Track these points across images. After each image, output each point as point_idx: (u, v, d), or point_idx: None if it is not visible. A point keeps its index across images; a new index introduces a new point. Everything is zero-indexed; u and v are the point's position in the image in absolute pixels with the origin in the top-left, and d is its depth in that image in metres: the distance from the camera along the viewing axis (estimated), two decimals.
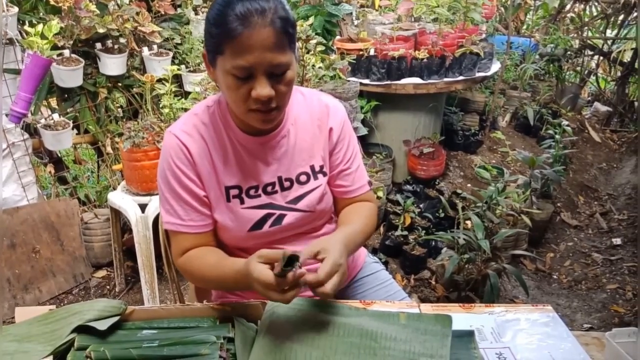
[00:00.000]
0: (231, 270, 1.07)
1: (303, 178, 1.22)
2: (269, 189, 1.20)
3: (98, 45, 2.70)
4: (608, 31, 5.35)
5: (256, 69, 1.00)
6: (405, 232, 2.85)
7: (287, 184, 1.21)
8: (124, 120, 2.83)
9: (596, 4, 5.26)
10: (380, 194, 2.94)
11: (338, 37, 3.46)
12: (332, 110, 1.24)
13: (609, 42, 5.31)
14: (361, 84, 3.12)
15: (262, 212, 1.20)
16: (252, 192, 1.19)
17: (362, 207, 1.27)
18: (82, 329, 1.00)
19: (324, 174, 1.25)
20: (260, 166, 1.19)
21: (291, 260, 0.92)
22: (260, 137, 1.17)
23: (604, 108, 5.18)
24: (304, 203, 1.22)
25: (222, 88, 1.08)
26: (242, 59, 0.99)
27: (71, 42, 2.55)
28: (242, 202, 1.19)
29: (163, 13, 2.90)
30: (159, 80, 2.49)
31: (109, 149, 2.83)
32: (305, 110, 1.23)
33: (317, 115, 1.23)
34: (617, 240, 3.33)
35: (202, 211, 1.18)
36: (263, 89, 1.01)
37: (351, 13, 3.72)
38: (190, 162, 1.15)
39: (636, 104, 5.12)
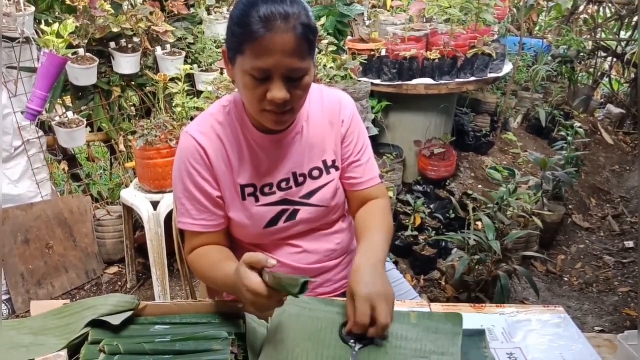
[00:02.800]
0: (224, 273, 1.06)
1: (316, 173, 1.23)
2: (284, 185, 1.21)
3: (112, 44, 2.73)
4: (622, 33, 5.30)
5: (274, 72, 1.01)
6: (416, 233, 2.85)
7: (301, 179, 1.22)
8: (137, 118, 2.86)
9: (610, 5, 5.21)
10: (390, 194, 2.94)
11: (350, 38, 3.47)
12: (343, 103, 1.25)
13: (623, 43, 5.25)
14: (372, 84, 3.12)
15: (277, 209, 1.21)
16: (266, 189, 1.20)
17: (377, 210, 1.24)
18: (96, 324, 1.02)
19: (337, 169, 1.25)
20: (275, 164, 1.20)
21: (304, 286, 0.87)
22: (275, 135, 1.18)
23: (617, 110, 5.13)
24: (317, 198, 1.23)
25: (239, 86, 1.09)
26: (262, 61, 0.99)
27: (86, 41, 2.58)
28: (257, 200, 1.20)
29: (176, 13, 2.93)
30: (172, 80, 2.51)
31: (122, 147, 2.85)
32: (317, 106, 1.24)
33: (328, 109, 1.24)
34: (630, 243, 3.30)
35: (215, 212, 1.20)
36: (279, 92, 1.02)
37: (363, 13, 3.72)
38: (206, 164, 1.16)
39: None
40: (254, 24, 0.98)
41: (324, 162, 1.24)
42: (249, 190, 1.19)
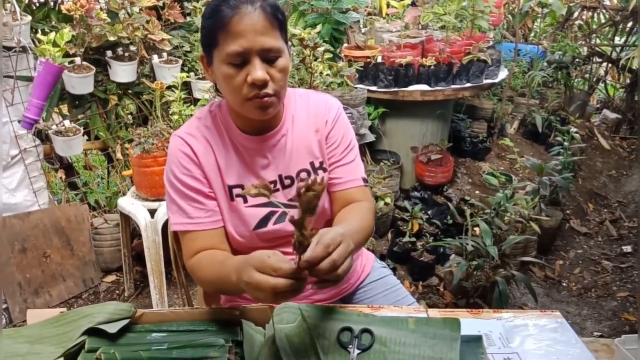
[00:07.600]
0: (232, 265, 1.01)
1: (303, 175, 1.24)
2: (270, 187, 1.21)
3: (109, 52, 2.74)
4: (616, 38, 5.33)
5: (249, 53, 1.04)
6: (413, 239, 2.85)
7: (287, 181, 1.23)
8: (134, 126, 2.86)
9: (604, 11, 5.25)
10: (388, 200, 2.94)
11: (345, 45, 3.48)
12: (328, 105, 1.27)
13: (618, 49, 5.29)
14: (369, 90, 3.13)
15: (266, 210, 1.21)
16: None
17: (356, 207, 1.23)
18: (93, 332, 1.01)
19: (324, 170, 1.26)
20: (261, 165, 1.21)
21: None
22: (260, 136, 1.20)
23: (612, 115, 5.16)
24: None
25: (220, 83, 1.11)
26: (235, 44, 1.03)
27: (82, 49, 2.58)
28: (245, 200, 1.21)
29: (173, 21, 2.93)
30: (169, 88, 2.52)
31: (119, 155, 2.85)
32: (303, 109, 1.25)
33: (314, 112, 1.25)
34: (627, 248, 3.30)
35: (210, 207, 1.19)
36: (257, 71, 1.04)
37: (358, 21, 3.73)
38: (195, 162, 1.18)
39: None
40: (222, 12, 1.03)
41: (312, 164, 1.24)
42: (237, 190, 1.20)
